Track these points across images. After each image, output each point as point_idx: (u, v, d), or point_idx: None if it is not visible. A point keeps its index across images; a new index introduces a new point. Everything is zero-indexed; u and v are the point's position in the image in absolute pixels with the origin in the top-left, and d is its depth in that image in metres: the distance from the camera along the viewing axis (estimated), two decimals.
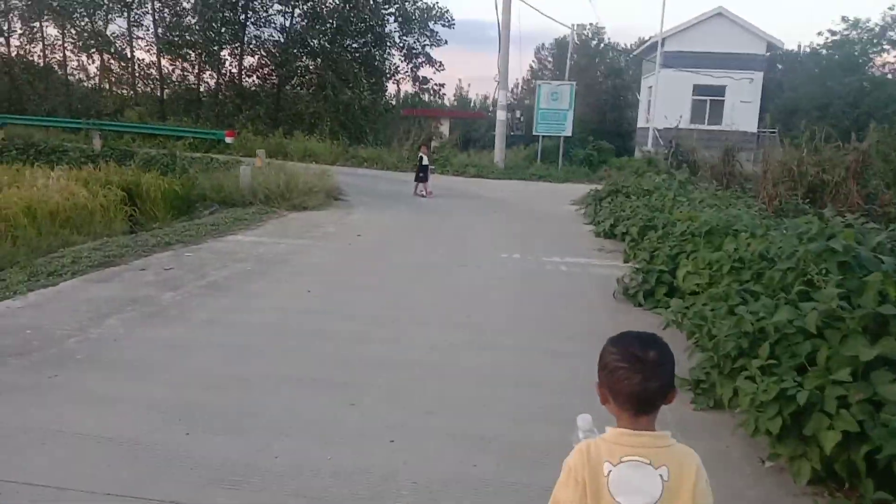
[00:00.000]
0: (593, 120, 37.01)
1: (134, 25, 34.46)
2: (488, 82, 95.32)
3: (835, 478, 3.21)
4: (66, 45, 35.22)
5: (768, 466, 3.48)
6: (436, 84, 38.16)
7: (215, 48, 33.30)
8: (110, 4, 33.60)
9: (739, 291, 4.64)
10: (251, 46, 34.72)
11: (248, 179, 13.60)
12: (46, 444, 3.45)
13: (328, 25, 33.17)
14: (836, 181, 10.38)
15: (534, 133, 24.68)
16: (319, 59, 33.92)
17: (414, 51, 36.19)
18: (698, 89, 28.52)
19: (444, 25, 35.40)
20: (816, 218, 5.37)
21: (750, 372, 3.69)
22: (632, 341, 1.60)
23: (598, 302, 6.81)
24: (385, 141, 27.74)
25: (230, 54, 34.74)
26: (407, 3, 34.42)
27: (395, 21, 35.03)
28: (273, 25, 34.32)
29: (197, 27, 32.95)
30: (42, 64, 35.51)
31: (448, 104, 49.48)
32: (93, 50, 34.36)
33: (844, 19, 36.53)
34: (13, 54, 34.81)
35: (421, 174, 16.04)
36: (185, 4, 33.29)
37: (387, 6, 34.19)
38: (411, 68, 36.81)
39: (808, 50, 39.67)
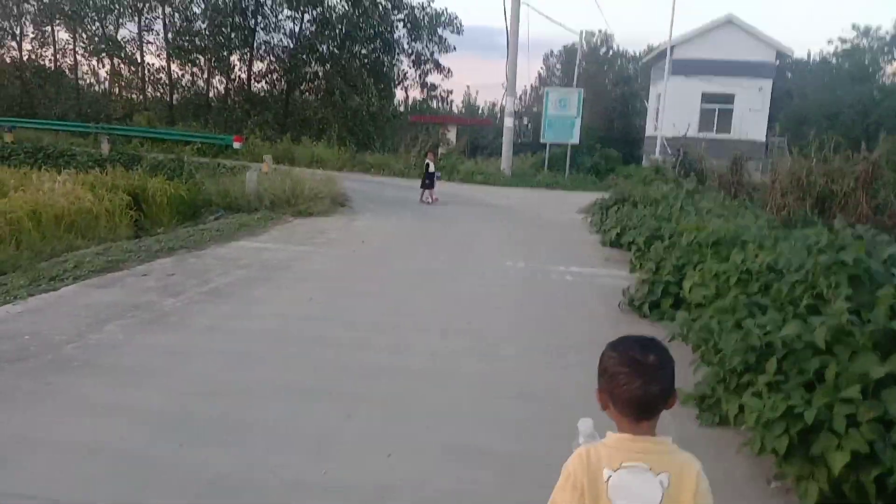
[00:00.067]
0: (601, 128, 36.95)
1: (144, 30, 34.75)
2: (497, 89, 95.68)
3: (843, 500, 3.11)
4: (77, 49, 35.53)
5: (774, 487, 3.38)
6: (444, 90, 38.30)
7: (225, 53, 33.51)
8: (121, 9, 33.86)
9: (747, 304, 4.55)
10: (260, 52, 34.93)
11: (255, 185, 13.60)
12: (38, 454, 3.40)
13: (337, 31, 33.29)
14: (845, 192, 10.26)
15: (541, 140, 24.62)
16: (328, 65, 34.04)
17: (422, 57, 36.25)
18: (707, 97, 28.38)
19: (452, 32, 35.48)
20: (826, 229, 5.28)
21: (756, 388, 3.61)
22: (632, 345, 1.58)
23: (603, 312, 6.72)
24: (392, 147, 27.80)
25: (239, 59, 34.98)
26: (416, 10, 34.51)
27: (403, 27, 35.13)
28: (282, 31, 34.54)
29: (207, 32, 33.13)
30: (53, 68, 35.78)
31: (456, 111, 49.52)
32: (103, 54, 34.60)
33: (855, 27, 36.44)
34: (25, 58, 35.13)
35: (427, 181, 16.01)
36: (195, 9, 33.52)
37: (396, 12, 34.28)
38: (419, 75, 36.94)
39: (817, 58, 39.55)
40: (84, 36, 34.85)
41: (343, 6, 33.42)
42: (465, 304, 6.86)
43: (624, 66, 48.11)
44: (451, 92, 39.00)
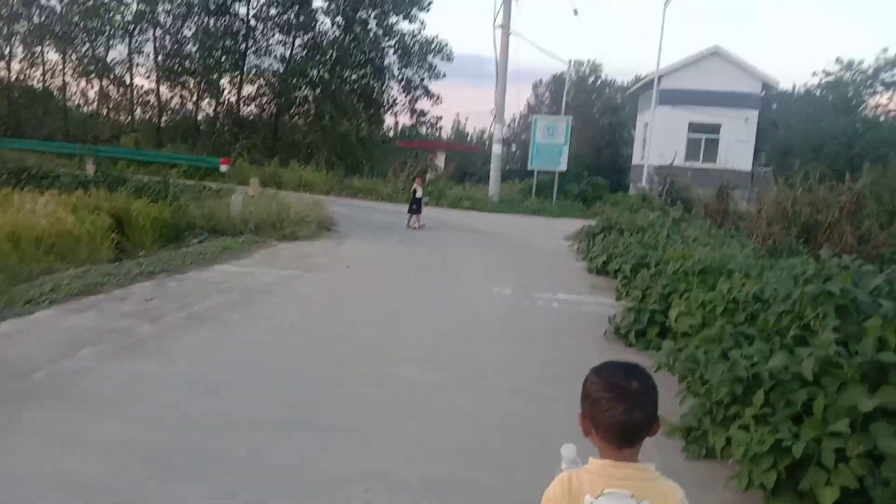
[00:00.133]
0: (589, 156, 37.26)
1: (134, 52, 34.81)
2: (486, 117, 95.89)
3: None
4: (66, 70, 35.50)
5: None
6: (433, 117, 38.44)
7: (214, 76, 33.54)
8: (112, 31, 33.93)
9: (733, 334, 4.49)
10: (251, 75, 35.02)
11: (240, 208, 13.49)
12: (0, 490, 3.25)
13: (328, 56, 33.50)
14: (830, 221, 10.30)
15: (529, 167, 24.74)
16: (318, 90, 34.20)
17: (412, 84, 36.50)
18: (694, 127, 28.72)
19: (443, 59, 35.80)
20: (812, 259, 5.25)
21: (744, 420, 3.54)
22: (615, 371, 1.57)
23: (589, 341, 6.64)
24: (381, 172, 27.87)
25: (229, 83, 35.04)
26: (406, 37, 34.83)
27: (394, 53, 35.43)
28: (273, 55, 34.70)
29: (197, 55, 33.22)
30: (41, 88, 35.71)
31: (445, 137, 49.74)
32: (92, 75, 34.58)
33: (838, 61, 36.97)
34: (13, 78, 35.04)
35: (414, 206, 15.99)
36: (186, 32, 33.66)
37: (387, 39, 34.58)
38: (409, 101, 37.12)
39: (802, 90, 40.07)
40: (74, 57, 34.88)
41: (334, 32, 33.73)
42: (451, 333, 6.76)
43: (612, 95, 48.71)
44: (440, 118, 39.14)
